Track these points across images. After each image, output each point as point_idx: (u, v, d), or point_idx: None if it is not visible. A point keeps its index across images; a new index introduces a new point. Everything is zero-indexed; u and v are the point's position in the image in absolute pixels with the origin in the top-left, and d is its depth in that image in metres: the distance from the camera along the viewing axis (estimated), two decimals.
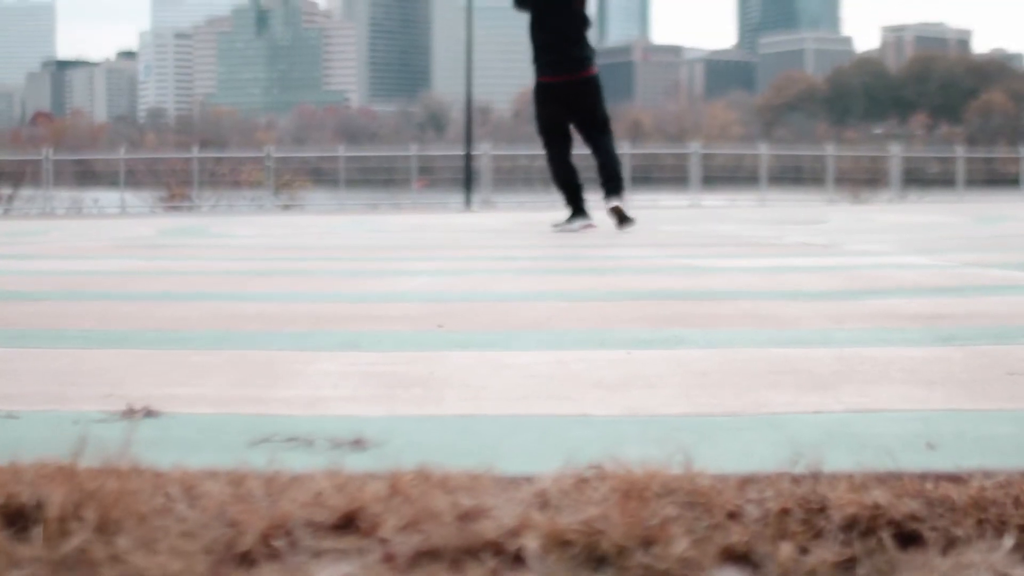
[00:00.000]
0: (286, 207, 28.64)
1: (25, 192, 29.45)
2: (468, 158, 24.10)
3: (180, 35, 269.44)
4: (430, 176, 31.43)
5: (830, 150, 30.95)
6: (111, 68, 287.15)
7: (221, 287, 4.54)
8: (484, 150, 28.10)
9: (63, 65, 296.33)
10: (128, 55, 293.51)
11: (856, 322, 3.17)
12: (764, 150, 29.97)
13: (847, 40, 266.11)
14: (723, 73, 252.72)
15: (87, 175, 31.16)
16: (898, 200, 28.40)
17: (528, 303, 3.78)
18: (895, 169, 29.92)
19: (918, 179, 30.80)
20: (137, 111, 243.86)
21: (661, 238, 8.37)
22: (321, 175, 31.60)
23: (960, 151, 31.59)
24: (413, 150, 30.20)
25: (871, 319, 3.23)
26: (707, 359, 2.54)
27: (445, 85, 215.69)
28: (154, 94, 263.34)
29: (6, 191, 29.45)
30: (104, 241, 8.82)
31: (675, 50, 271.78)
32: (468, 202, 23.14)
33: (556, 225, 9.55)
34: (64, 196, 29.06)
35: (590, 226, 9.39)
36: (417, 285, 4.50)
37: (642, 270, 5.19)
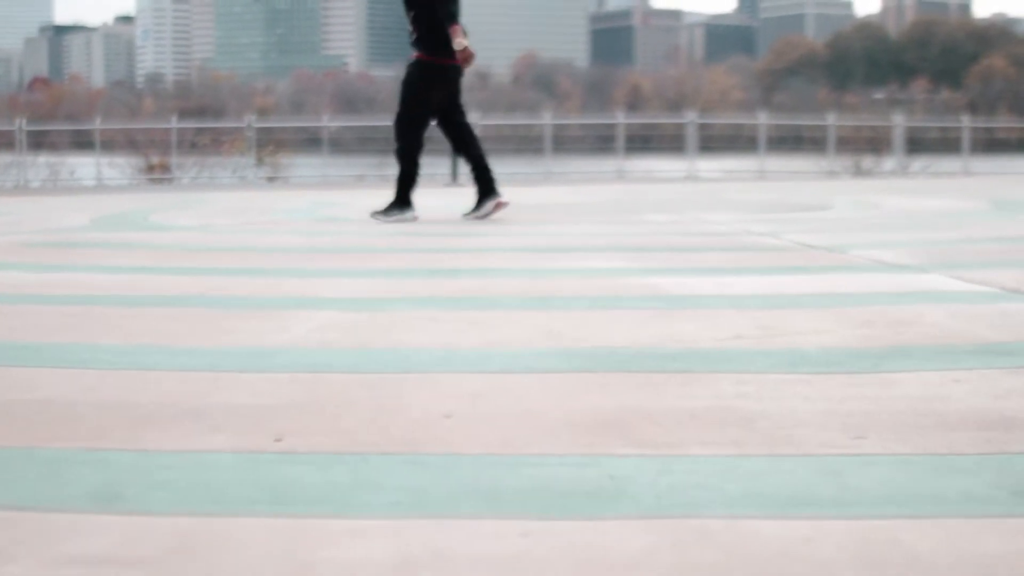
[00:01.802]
0: (270, 179, 27.62)
1: (5, 159, 28.49)
2: None
3: None
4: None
5: (831, 119, 29.83)
6: (109, 33, 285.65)
7: (56, 334, 3.52)
8: (473, 120, 27.06)
9: (61, 30, 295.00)
10: (126, 20, 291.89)
11: (883, 436, 2.16)
12: (763, 119, 28.89)
13: (848, 4, 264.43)
14: (723, 37, 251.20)
15: (83, 144, 30.07)
16: (901, 172, 27.38)
17: (429, 379, 2.77)
18: (898, 139, 28.87)
19: (921, 147, 29.77)
20: (135, 76, 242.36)
21: (640, 236, 7.35)
22: (315, 144, 30.50)
23: (966, 120, 30.50)
24: None
25: (904, 430, 2.21)
26: (643, 562, 1.53)
27: None
28: (152, 59, 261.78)
29: None
30: (19, 235, 7.83)
31: (675, 14, 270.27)
32: (454, 175, 22.05)
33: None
34: (43, 164, 28.11)
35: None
36: (306, 332, 3.48)
37: (598, 301, 4.15)
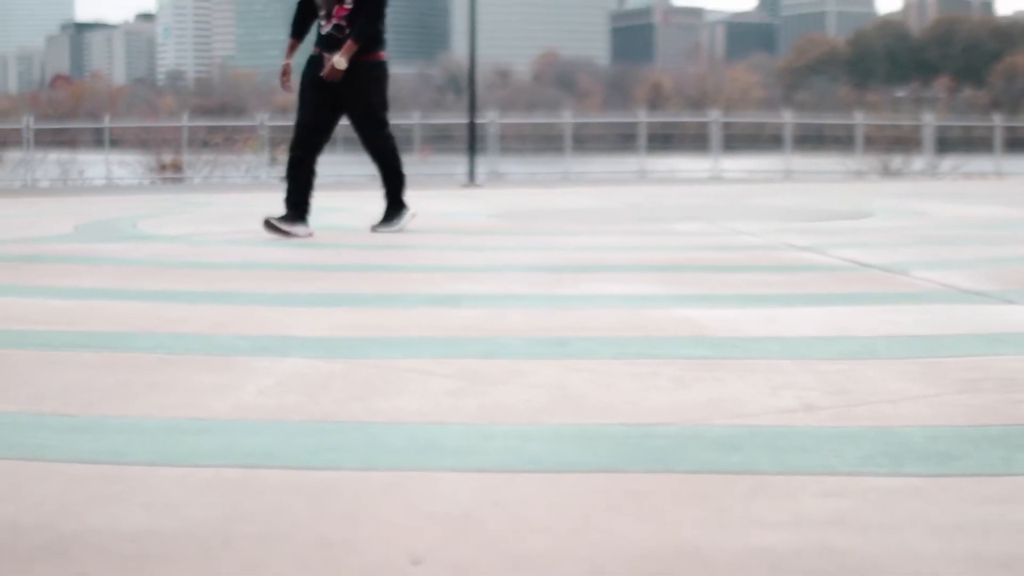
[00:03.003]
0: (284, 179, 26.92)
1: (15, 156, 27.85)
2: (472, 127, 22.15)
3: None
4: (443, 144, 29.74)
5: (859, 118, 29.03)
6: (130, 30, 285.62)
7: None
8: (491, 118, 26.43)
9: (82, 27, 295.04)
10: (147, 17, 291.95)
11: None
12: (788, 118, 28.11)
13: (869, 2, 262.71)
14: (744, 35, 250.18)
15: (101, 142, 29.45)
16: (931, 172, 26.56)
17: (400, 481, 2.03)
18: (928, 139, 28.06)
19: (947, 146, 28.97)
20: (156, 74, 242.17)
21: (669, 251, 6.59)
22: (331, 143, 29.79)
23: (997, 119, 29.68)
24: (416, 118, 28.33)
25: None
26: None
27: (465, 47, 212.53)
28: (173, 56, 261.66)
29: None
30: None
31: (696, 12, 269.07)
32: (472, 176, 21.22)
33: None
34: (54, 162, 27.50)
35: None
36: (258, 393, 2.74)
37: (626, 346, 3.38)
